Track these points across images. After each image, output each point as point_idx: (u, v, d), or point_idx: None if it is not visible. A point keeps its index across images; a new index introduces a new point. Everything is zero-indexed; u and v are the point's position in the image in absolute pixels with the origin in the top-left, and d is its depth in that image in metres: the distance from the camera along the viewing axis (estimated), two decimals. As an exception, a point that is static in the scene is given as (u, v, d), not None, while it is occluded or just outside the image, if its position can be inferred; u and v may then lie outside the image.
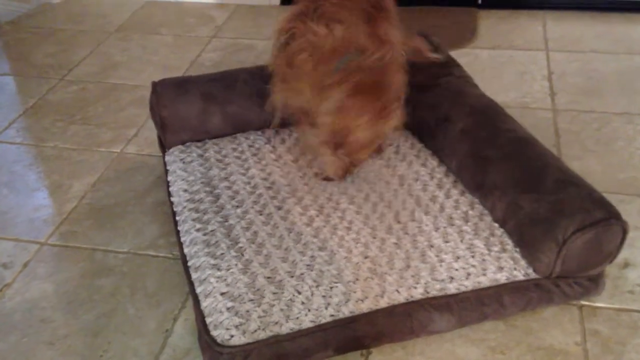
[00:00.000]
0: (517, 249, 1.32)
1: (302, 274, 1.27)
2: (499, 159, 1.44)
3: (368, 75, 1.27)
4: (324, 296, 1.22)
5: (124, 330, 1.34)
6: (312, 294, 1.23)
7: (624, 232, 1.26)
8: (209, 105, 1.68)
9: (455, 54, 1.92)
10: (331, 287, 1.24)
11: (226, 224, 1.40)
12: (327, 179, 1.55)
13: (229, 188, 1.52)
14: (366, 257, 1.32)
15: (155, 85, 1.70)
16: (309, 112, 1.46)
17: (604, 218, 1.24)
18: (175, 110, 1.67)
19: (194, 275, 1.29)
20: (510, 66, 2.27)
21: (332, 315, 1.20)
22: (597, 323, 1.31)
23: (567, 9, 2.64)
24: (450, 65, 1.79)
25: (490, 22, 2.60)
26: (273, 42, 1.48)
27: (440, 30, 2.51)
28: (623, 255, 1.40)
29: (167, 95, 1.68)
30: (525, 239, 1.30)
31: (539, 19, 2.60)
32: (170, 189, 1.57)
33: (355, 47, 1.32)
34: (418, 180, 1.54)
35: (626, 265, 1.44)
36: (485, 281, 1.27)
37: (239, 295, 1.22)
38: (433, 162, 1.59)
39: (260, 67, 1.77)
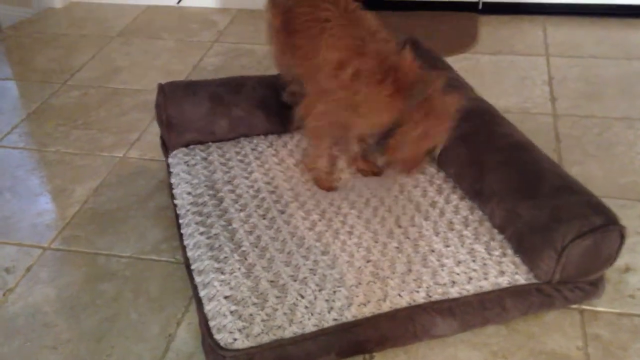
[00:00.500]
0: (518, 255, 1.33)
1: (305, 278, 1.28)
2: (496, 165, 1.44)
3: (434, 102, 1.39)
4: (327, 300, 1.23)
5: (126, 334, 1.34)
6: (315, 298, 1.23)
7: (622, 237, 1.26)
8: (217, 106, 1.69)
9: (455, 59, 1.94)
10: (334, 291, 1.25)
11: (230, 227, 1.41)
12: (329, 188, 1.57)
13: (232, 191, 1.52)
14: (368, 261, 1.32)
15: (162, 86, 1.71)
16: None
17: (602, 224, 1.24)
18: (181, 110, 1.68)
19: (197, 279, 1.30)
20: (511, 71, 2.28)
21: (335, 319, 1.20)
22: (598, 327, 1.31)
23: (566, 15, 2.66)
24: (443, 67, 1.80)
25: (490, 28, 2.60)
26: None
27: (441, 36, 2.52)
28: (624, 259, 1.41)
29: (174, 96, 1.69)
30: (525, 246, 1.31)
31: (539, 24, 2.61)
32: (174, 191, 1.57)
33: (419, 78, 1.42)
34: (418, 187, 1.54)
35: (627, 269, 1.44)
36: (487, 285, 1.27)
37: (243, 299, 1.22)
38: (431, 168, 1.59)
39: (269, 76, 1.80)
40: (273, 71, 1.77)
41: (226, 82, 1.77)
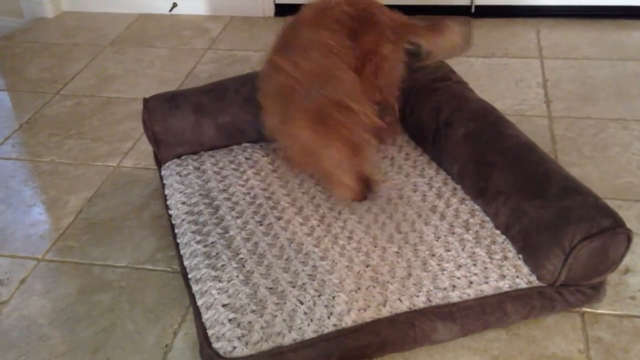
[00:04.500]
0: (520, 256, 1.32)
1: (304, 283, 1.26)
2: (503, 165, 1.43)
3: None
4: (326, 306, 1.22)
5: (123, 345, 1.32)
6: (314, 304, 1.22)
7: (629, 240, 1.25)
8: (201, 117, 1.67)
9: (449, 62, 1.93)
10: (333, 297, 1.23)
11: (226, 235, 1.40)
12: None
13: (228, 199, 1.51)
14: (368, 266, 1.31)
15: (146, 101, 1.70)
16: None
17: (611, 226, 1.23)
18: (167, 125, 1.66)
19: (194, 288, 1.28)
20: (505, 74, 2.28)
21: (334, 325, 1.19)
22: (600, 330, 1.30)
23: (559, 17, 2.66)
24: (447, 70, 1.80)
25: (484, 31, 2.61)
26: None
27: (435, 40, 2.52)
28: (623, 261, 1.39)
29: (159, 111, 1.67)
30: (531, 245, 1.30)
31: (532, 26, 2.62)
32: (168, 202, 1.56)
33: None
34: (417, 191, 1.53)
35: (627, 271, 1.44)
36: (487, 289, 1.26)
37: (241, 307, 1.21)
38: (430, 171, 1.58)
39: (250, 74, 1.78)
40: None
41: (209, 89, 1.75)
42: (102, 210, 1.72)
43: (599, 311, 1.34)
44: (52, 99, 2.30)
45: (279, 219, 1.45)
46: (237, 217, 1.45)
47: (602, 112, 2.03)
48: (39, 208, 1.76)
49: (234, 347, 1.14)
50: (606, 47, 2.43)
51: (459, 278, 1.28)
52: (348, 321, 1.19)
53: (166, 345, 1.32)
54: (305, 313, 1.20)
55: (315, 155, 1.42)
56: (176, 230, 1.47)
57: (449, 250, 1.34)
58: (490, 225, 1.40)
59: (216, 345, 1.15)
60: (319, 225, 1.43)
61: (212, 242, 1.38)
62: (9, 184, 1.86)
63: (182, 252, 1.40)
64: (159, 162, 1.72)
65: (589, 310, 1.34)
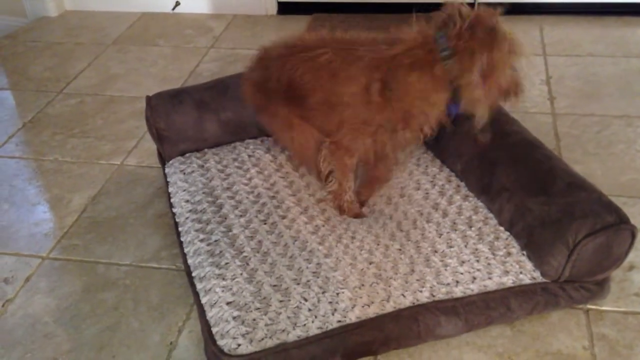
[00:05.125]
0: (524, 252, 1.32)
1: (308, 281, 1.26)
2: (507, 161, 1.43)
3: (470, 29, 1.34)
4: (330, 302, 1.22)
5: (128, 343, 1.33)
6: (318, 301, 1.22)
7: (633, 236, 1.25)
8: (204, 113, 1.68)
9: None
10: (337, 293, 1.24)
11: (230, 233, 1.40)
12: (357, 215, 1.51)
13: (231, 198, 1.51)
14: (371, 263, 1.31)
15: (149, 99, 1.70)
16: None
17: (615, 222, 1.23)
18: (171, 122, 1.66)
19: (199, 286, 1.29)
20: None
21: (339, 321, 1.19)
22: (604, 327, 1.30)
23: (563, 14, 2.66)
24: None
25: (487, 28, 2.60)
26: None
27: (438, 37, 2.52)
28: (628, 258, 1.39)
29: (162, 108, 1.67)
30: (535, 241, 1.30)
31: (536, 23, 2.61)
32: (172, 200, 1.56)
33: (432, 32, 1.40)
34: (419, 189, 1.53)
35: (631, 268, 1.43)
36: (491, 285, 1.26)
37: (245, 304, 1.21)
38: (434, 169, 1.59)
39: None
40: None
41: (211, 85, 1.75)
42: (106, 209, 1.72)
43: (604, 308, 1.34)
44: (55, 97, 2.31)
45: (283, 217, 1.45)
46: (241, 216, 1.45)
47: (606, 109, 2.03)
48: (43, 206, 1.76)
49: (239, 345, 1.14)
50: (610, 44, 2.42)
51: (462, 274, 1.28)
52: (352, 317, 1.20)
53: (171, 343, 1.32)
54: (309, 310, 1.20)
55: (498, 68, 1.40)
56: (180, 229, 1.47)
57: (451, 247, 1.34)
58: (494, 221, 1.40)
59: (221, 342, 1.15)
60: (323, 225, 1.43)
61: (216, 240, 1.38)
62: (12, 182, 1.86)
63: (185, 250, 1.40)
64: (163, 160, 1.72)
65: (593, 307, 1.34)
